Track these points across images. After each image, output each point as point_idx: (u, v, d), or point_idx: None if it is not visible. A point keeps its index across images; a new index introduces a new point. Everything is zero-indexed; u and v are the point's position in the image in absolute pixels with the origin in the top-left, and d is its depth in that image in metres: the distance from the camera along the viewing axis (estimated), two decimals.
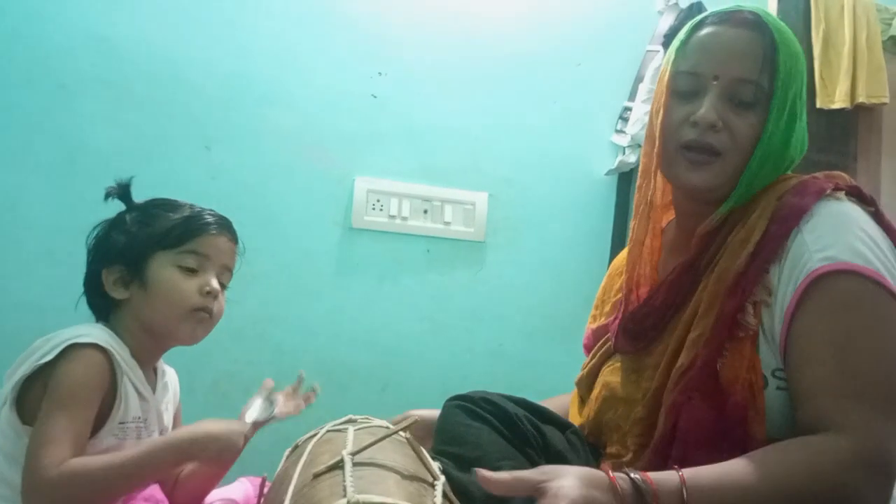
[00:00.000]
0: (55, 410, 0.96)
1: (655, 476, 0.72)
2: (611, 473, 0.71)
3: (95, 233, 1.15)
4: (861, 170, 1.98)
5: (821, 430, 0.75)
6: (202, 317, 1.12)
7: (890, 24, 2.00)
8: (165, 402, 1.18)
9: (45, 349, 1.01)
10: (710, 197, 0.94)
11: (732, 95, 0.91)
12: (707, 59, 0.93)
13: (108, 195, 1.15)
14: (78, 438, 0.96)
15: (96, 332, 1.04)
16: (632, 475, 0.71)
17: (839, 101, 1.89)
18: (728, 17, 0.94)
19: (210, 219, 1.15)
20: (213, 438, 1.02)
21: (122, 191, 1.16)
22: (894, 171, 2.03)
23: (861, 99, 1.90)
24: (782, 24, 0.95)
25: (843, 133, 1.97)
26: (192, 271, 1.11)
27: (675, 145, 0.94)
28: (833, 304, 0.80)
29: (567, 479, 0.68)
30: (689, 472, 0.72)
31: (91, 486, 0.93)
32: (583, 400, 1.11)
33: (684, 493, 0.70)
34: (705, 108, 0.90)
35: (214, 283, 1.12)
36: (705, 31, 0.95)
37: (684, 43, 0.97)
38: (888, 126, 2.02)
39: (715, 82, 0.91)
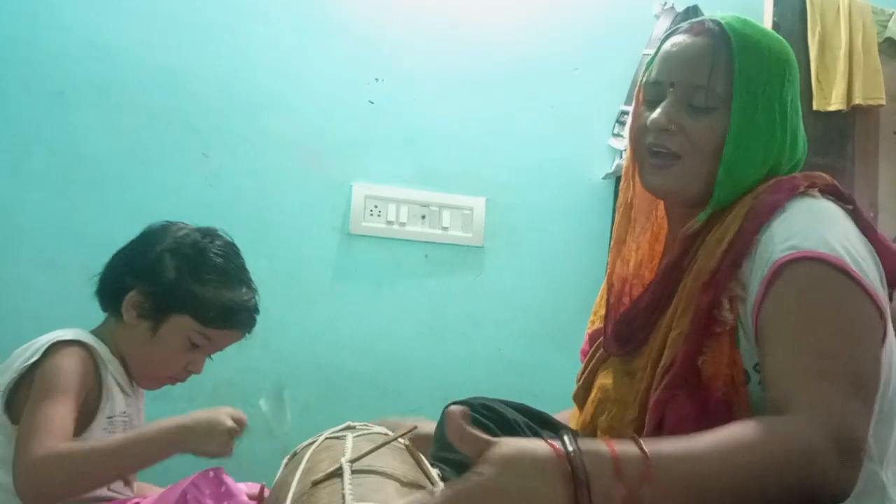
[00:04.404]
0: (40, 401, 0.98)
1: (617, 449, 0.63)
2: (555, 445, 0.61)
3: (154, 234, 1.15)
4: (858, 172, 1.99)
5: (786, 411, 0.74)
6: (168, 384, 1.17)
7: (886, 27, 2.00)
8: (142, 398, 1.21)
9: (27, 354, 1.03)
10: (681, 199, 0.97)
11: (689, 101, 0.94)
12: (665, 67, 0.97)
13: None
14: (63, 425, 0.97)
15: (77, 332, 1.08)
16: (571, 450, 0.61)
17: (836, 104, 1.90)
18: (691, 28, 0.97)
19: (246, 318, 1.17)
20: (198, 420, 1.02)
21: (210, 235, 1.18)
22: (891, 173, 2.03)
23: (857, 101, 1.91)
24: (755, 29, 0.96)
25: (840, 135, 1.98)
26: (195, 346, 1.13)
27: (642, 151, 0.98)
28: (795, 289, 0.80)
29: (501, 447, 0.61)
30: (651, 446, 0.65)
31: (74, 468, 0.94)
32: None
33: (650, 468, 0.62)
34: (657, 113, 0.94)
35: (201, 366, 1.16)
36: (669, 42, 0.99)
37: (655, 55, 1.01)
38: (885, 128, 2.02)
39: (672, 89, 0.95)
